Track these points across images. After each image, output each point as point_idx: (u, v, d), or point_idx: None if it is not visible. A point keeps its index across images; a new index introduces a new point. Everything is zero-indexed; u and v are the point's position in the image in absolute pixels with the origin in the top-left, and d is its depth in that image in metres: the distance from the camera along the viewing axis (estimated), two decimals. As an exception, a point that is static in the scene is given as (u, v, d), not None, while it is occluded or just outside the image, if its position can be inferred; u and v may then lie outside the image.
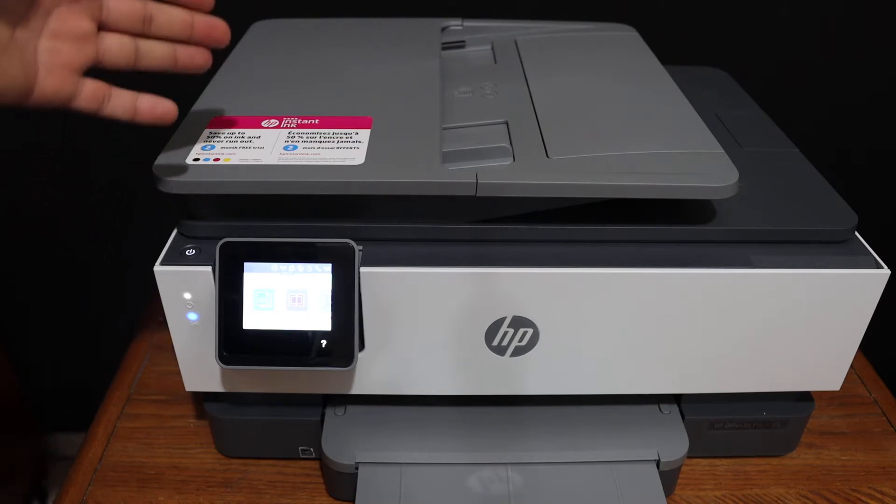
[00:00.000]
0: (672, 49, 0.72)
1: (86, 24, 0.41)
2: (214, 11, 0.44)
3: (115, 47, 0.42)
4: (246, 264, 0.47)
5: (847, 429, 0.64)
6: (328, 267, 0.47)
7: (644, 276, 0.48)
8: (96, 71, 0.42)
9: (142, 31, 0.43)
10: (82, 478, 0.58)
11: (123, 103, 0.43)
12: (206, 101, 0.55)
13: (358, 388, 0.53)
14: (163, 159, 0.47)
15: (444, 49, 0.66)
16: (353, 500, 0.53)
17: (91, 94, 0.42)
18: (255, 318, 0.48)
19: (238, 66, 0.61)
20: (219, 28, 0.44)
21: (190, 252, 0.48)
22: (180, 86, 0.58)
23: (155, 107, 0.43)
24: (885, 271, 0.49)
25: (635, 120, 0.54)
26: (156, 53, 0.43)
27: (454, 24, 0.71)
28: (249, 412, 0.57)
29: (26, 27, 0.39)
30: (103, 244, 1.04)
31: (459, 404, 0.57)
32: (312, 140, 0.50)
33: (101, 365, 0.89)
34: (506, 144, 0.51)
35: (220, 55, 0.62)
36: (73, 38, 0.40)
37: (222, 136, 0.50)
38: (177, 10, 0.43)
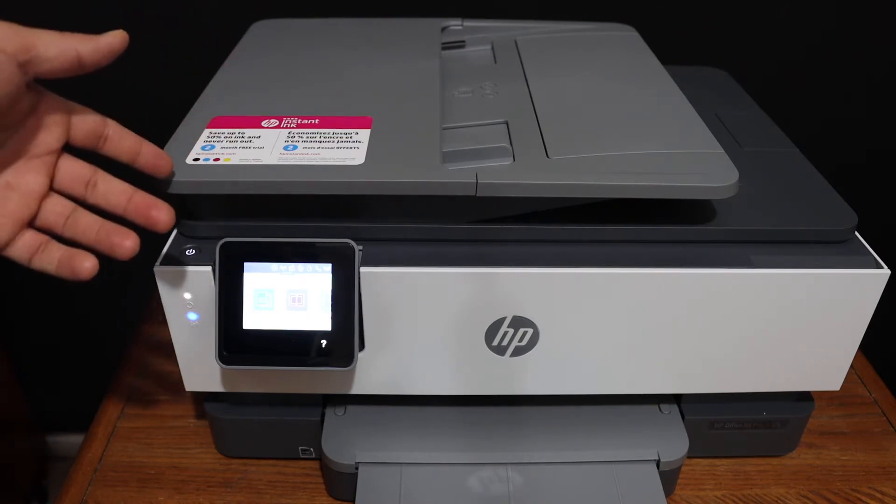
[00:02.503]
0: (672, 49, 0.72)
1: (41, 181, 0.41)
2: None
3: (57, 208, 0.42)
4: (246, 264, 0.47)
5: (847, 429, 0.64)
6: (328, 267, 0.47)
7: (644, 276, 0.48)
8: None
9: (83, 196, 0.43)
10: (82, 478, 0.58)
11: (52, 259, 0.42)
12: (206, 101, 0.55)
13: (358, 388, 0.53)
14: (163, 159, 0.47)
15: (444, 49, 0.66)
16: (353, 500, 0.53)
17: (25, 245, 0.42)
18: (255, 318, 0.48)
19: (238, 66, 0.61)
20: (158, 208, 0.43)
21: (190, 252, 0.48)
22: (180, 86, 0.58)
23: (78, 267, 0.42)
24: (885, 271, 0.49)
25: (635, 120, 0.54)
26: (80, 225, 0.43)
27: (454, 24, 0.71)
28: (249, 412, 0.57)
29: None
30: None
31: (459, 404, 0.57)
32: (312, 140, 0.50)
33: (101, 365, 0.89)
34: (506, 144, 0.51)
35: (220, 55, 0.63)
36: (24, 192, 0.41)
37: (222, 136, 0.50)
38: (118, 182, 0.43)
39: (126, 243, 0.42)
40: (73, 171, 0.43)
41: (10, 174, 0.41)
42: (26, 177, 0.41)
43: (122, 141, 0.43)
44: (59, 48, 0.38)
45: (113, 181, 0.43)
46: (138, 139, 0.44)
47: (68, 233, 0.43)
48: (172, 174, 0.45)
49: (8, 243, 0.41)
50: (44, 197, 0.42)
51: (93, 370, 1.06)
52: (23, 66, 0.37)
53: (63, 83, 0.41)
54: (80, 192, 0.43)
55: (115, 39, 0.40)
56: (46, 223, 0.42)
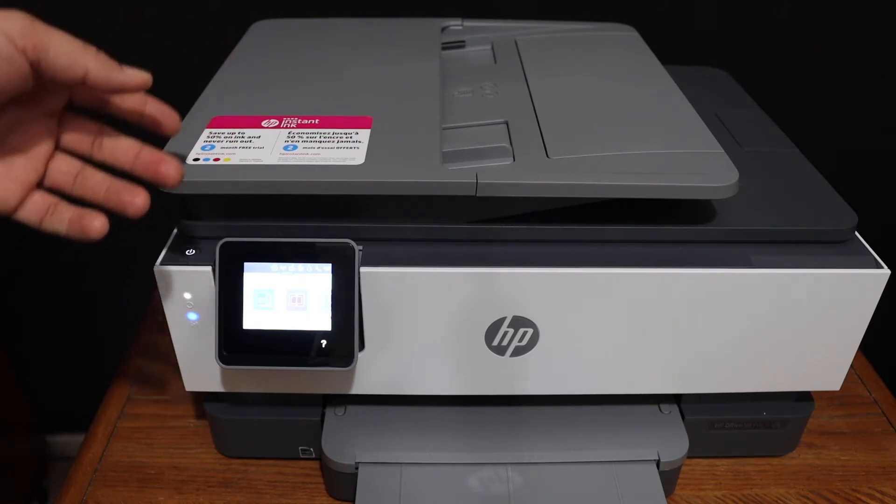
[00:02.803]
0: (672, 49, 0.72)
1: (46, 143, 0.41)
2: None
3: (64, 167, 0.42)
4: (246, 264, 0.47)
5: (847, 429, 0.64)
6: (328, 267, 0.47)
7: (644, 276, 0.48)
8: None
9: (90, 153, 0.43)
10: (82, 478, 0.58)
11: (62, 220, 0.42)
12: (206, 100, 0.55)
13: (358, 388, 0.53)
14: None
15: (444, 49, 0.66)
16: (353, 500, 0.53)
17: (35, 207, 0.41)
18: (255, 318, 0.48)
19: (238, 66, 0.61)
20: (167, 163, 0.42)
21: (190, 252, 0.48)
22: (181, 86, 0.58)
23: (88, 226, 0.42)
24: (885, 271, 0.49)
25: (635, 120, 0.54)
26: (89, 183, 0.42)
27: (454, 24, 0.71)
28: (249, 412, 0.57)
29: None
30: (103, 244, 1.04)
31: (459, 404, 0.57)
32: (312, 140, 0.50)
33: (101, 365, 0.89)
34: (506, 144, 0.51)
35: (220, 55, 0.63)
36: (30, 155, 0.41)
37: (222, 136, 0.50)
38: (125, 138, 0.43)
39: (136, 201, 0.42)
40: (79, 128, 0.42)
41: (15, 138, 0.40)
42: (31, 139, 0.41)
43: (126, 97, 0.42)
44: (70, 60, 0.37)
45: (120, 137, 0.43)
46: (143, 95, 0.43)
47: (77, 191, 0.42)
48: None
49: (17, 207, 0.41)
50: (50, 158, 0.42)
51: (93, 370, 1.06)
52: (31, 63, 0.37)
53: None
54: (86, 149, 0.42)
55: (133, 80, 0.39)
56: (55, 183, 0.42)
